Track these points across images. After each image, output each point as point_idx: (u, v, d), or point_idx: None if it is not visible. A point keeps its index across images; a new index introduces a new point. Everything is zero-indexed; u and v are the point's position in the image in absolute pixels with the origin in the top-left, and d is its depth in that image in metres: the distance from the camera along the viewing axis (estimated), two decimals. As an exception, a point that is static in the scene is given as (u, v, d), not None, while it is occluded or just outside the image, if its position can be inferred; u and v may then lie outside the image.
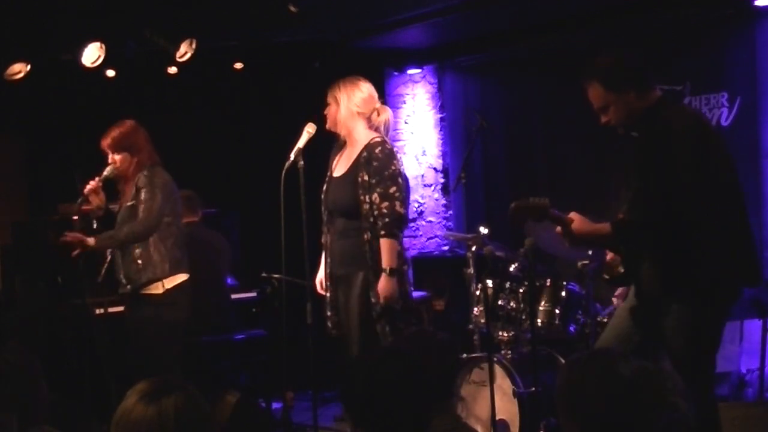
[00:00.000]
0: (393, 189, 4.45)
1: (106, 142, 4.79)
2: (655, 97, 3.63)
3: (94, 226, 4.78)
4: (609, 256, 3.90)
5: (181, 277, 4.79)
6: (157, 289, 4.72)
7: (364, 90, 4.62)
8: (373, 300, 4.44)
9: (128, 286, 4.74)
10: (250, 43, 6.45)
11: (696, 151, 3.47)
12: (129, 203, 4.73)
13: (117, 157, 4.77)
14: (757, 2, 5.58)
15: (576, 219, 3.59)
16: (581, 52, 6.28)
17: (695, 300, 3.52)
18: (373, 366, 2.36)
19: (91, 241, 4.64)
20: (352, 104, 4.58)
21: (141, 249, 4.70)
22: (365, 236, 4.47)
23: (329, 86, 4.65)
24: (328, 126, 4.63)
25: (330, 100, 4.62)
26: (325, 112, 4.63)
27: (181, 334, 4.85)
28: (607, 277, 3.89)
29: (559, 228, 3.63)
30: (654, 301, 3.62)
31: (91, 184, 4.73)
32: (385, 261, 4.41)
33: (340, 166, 4.65)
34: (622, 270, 3.78)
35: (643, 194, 3.52)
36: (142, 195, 4.69)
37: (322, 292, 4.70)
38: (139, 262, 4.69)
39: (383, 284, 4.41)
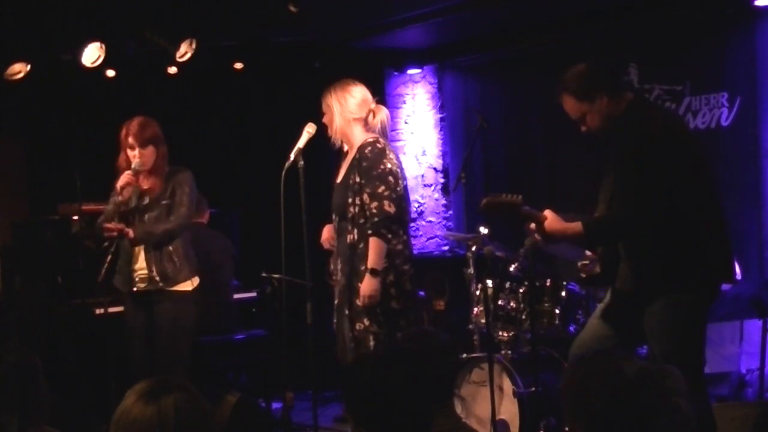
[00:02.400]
0: (382, 188, 4.39)
1: (132, 137, 4.77)
2: (628, 100, 3.68)
3: (115, 220, 4.79)
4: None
5: (198, 277, 4.96)
6: (188, 286, 4.86)
7: (357, 95, 4.54)
8: (358, 302, 4.41)
9: (161, 283, 4.79)
10: (250, 43, 6.45)
11: (671, 152, 3.53)
12: (164, 201, 4.81)
13: (145, 150, 4.78)
14: (757, 2, 5.59)
15: (549, 217, 3.64)
16: (581, 52, 6.30)
17: (674, 299, 3.54)
18: (376, 366, 2.36)
19: (131, 233, 4.72)
20: (346, 111, 4.51)
21: (175, 247, 4.81)
22: (351, 238, 4.45)
23: (322, 92, 4.57)
24: (330, 133, 4.59)
25: (324, 108, 4.57)
26: (324, 121, 4.59)
27: (194, 332, 4.96)
28: (583, 275, 3.91)
29: (532, 225, 3.66)
30: (631, 301, 3.64)
31: (126, 176, 4.73)
32: (370, 261, 4.35)
33: (341, 173, 4.63)
34: (599, 270, 3.80)
35: (621, 196, 3.56)
36: (178, 197, 4.81)
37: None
38: (176, 259, 4.81)
39: (365, 284, 4.35)
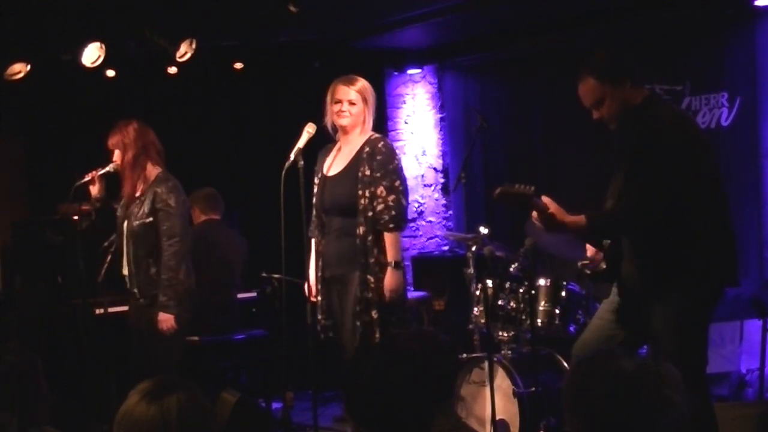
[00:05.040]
0: (398, 182, 4.48)
1: (108, 140, 4.81)
2: (644, 95, 3.68)
3: (93, 217, 4.81)
4: (589, 252, 3.91)
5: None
6: None
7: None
8: (369, 295, 4.42)
9: (141, 300, 4.76)
10: (250, 43, 6.45)
11: (676, 152, 3.52)
12: (147, 220, 4.69)
13: (115, 154, 4.79)
14: (757, 2, 5.59)
15: (553, 207, 3.62)
16: (581, 52, 6.28)
17: (679, 298, 3.54)
18: (377, 366, 2.36)
19: (170, 321, 4.65)
20: (374, 105, 4.58)
21: (155, 265, 4.70)
22: (359, 231, 4.45)
23: (350, 82, 4.53)
24: (350, 123, 4.53)
25: (355, 99, 4.50)
26: (348, 111, 4.51)
27: (182, 334, 4.86)
28: (588, 272, 3.91)
29: (535, 214, 3.65)
30: (636, 298, 3.64)
31: (90, 174, 4.78)
32: (391, 254, 4.43)
33: (336, 165, 4.60)
34: (604, 266, 3.80)
35: (629, 191, 3.56)
36: (165, 224, 4.67)
37: (314, 299, 4.65)
38: (154, 277, 4.71)
39: (389, 278, 4.42)
